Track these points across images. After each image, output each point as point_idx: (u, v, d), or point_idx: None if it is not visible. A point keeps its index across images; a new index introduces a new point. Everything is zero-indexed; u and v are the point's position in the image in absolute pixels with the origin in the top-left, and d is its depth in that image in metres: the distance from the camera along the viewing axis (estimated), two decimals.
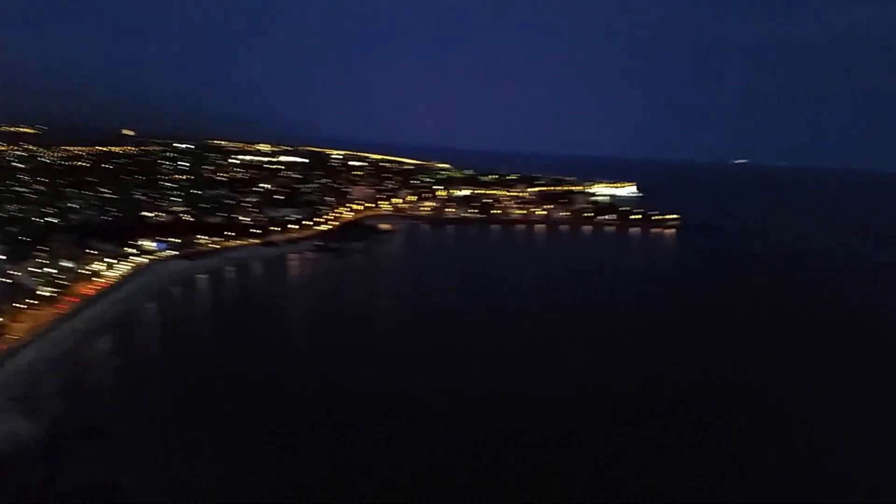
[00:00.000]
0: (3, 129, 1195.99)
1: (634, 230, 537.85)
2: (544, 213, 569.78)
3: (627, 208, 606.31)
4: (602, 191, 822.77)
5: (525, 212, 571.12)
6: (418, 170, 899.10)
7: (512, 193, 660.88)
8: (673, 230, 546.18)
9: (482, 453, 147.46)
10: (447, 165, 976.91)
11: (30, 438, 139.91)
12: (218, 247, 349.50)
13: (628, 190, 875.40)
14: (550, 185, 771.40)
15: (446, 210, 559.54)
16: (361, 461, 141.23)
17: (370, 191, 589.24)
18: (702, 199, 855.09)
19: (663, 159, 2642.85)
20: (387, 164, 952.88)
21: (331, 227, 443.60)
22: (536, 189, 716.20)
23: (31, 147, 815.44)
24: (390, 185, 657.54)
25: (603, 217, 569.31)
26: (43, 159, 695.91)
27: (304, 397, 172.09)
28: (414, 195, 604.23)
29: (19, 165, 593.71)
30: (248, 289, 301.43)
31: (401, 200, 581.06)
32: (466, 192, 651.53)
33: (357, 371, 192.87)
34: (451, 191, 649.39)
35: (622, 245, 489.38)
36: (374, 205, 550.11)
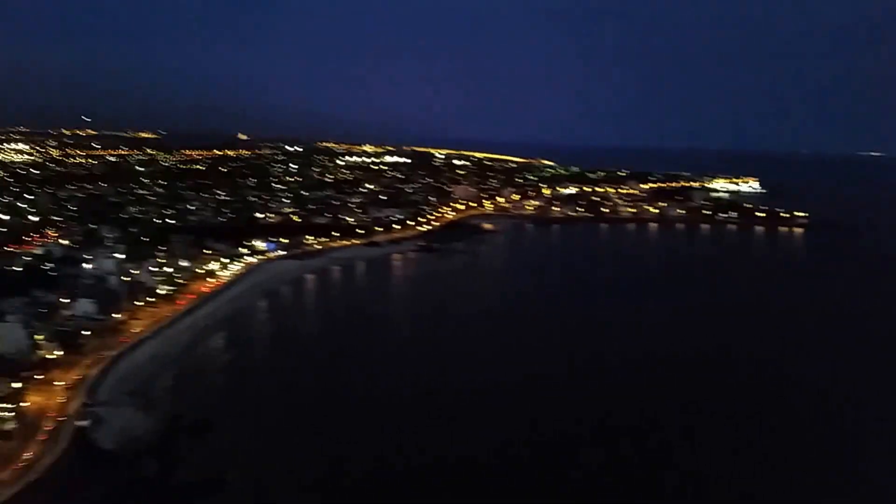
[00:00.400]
0: (128, 134, 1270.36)
1: (758, 229, 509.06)
2: (658, 211, 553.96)
3: (750, 205, 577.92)
4: (721, 186, 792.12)
5: (636, 210, 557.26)
6: (522, 168, 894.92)
7: (623, 191, 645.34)
8: (801, 229, 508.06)
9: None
10: (552, 163, 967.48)
11: (143, 432, 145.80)
12: (324, 247, 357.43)
13: (750, 185, 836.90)
14: (664, 182, 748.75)
15: (551, 209, 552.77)
16: (468, 459, 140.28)
17: (473, 190, 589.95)
18: (832, 196, 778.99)
19: (789, 151, 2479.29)
20: (490, 163, 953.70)
21: (433, 227, 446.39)
22: (649, 186, 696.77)
23: (152, 151, 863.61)
24: (494, 184, 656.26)
25: (723, 215, 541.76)
26: (163, 163, 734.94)
27: (401, 397, 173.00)
28: (518, 194, 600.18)
29: (141, 169, 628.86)
30: (352, 288, 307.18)
31: (504, 199, 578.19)
32: (573, 190, 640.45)
33: (453, 373, 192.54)
34: (556, 189, 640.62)
35: (745, 245, 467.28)
36: (477, 204, 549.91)
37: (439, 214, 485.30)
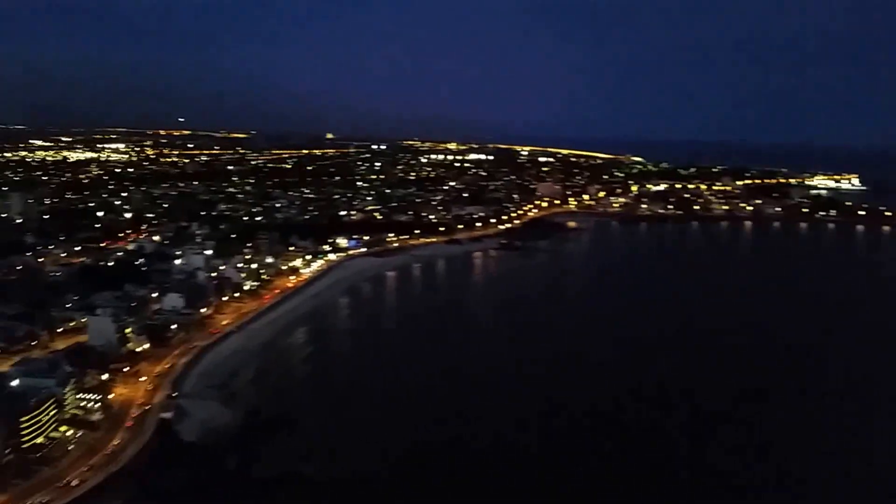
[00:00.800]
0: (221, 134, 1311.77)
1: (859, 228, 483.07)
2: (753, 208, 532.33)
3: (850, 203, 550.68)
4: (821, 183, 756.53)
5: (730, 207, 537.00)
6: (609, 164, 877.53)
7: (716, 188, 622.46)
8: None
9: None
10: (640, 159, 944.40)
11: (224, 425, 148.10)
12: (405, 244, 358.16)
13: (851, 182, 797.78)
14: (761, 178, 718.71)
15: (639, 206, 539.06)
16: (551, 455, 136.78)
17: (558, 187, 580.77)
18: None
19: (893, 147, 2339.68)
20: (576, 159, 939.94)
21: (516, 224, 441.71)
22: (744, 182, 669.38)
23: (242, 151, 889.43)
24: (579, 181, 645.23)
25: (822, 213, 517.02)
26: (253, 162, 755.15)
27: (479, 392, 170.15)
28: (604, 191, 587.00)
29: (231, 168, 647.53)
30: (432, 285, 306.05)
31: (590, 197, 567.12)
32: (662, 187, 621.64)
33: (530, 370, 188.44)
34: (645, 185, 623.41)
35: (845, 244, 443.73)
36: (561, 202, 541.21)
37: (522, 212, 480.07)
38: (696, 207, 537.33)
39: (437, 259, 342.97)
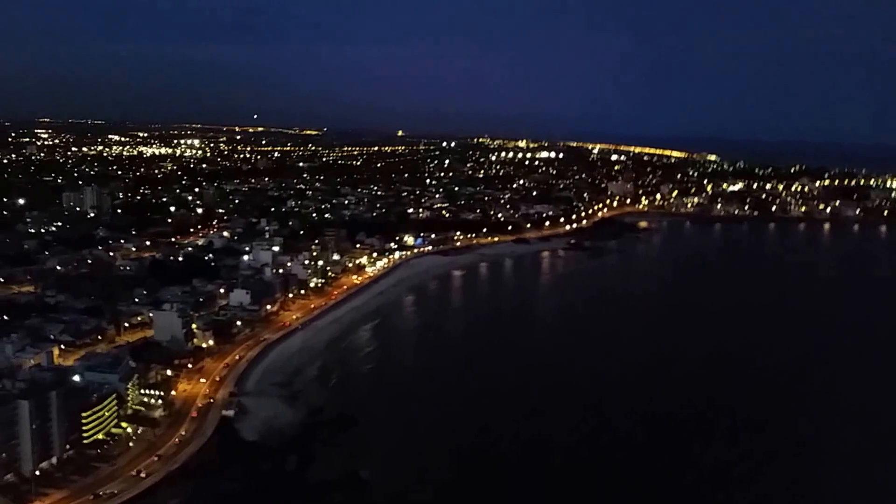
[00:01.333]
0: (294, 131, 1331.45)
1: None
2: (831, 210, 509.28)
3: None
4: None
5: (808, 208, 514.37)
6: (683, 163, 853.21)
7: (793, 188, 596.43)
8: None
9: None
10: (715, 157, 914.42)
11: (286, 424, 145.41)
12: (472, 243, 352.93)
13: None
14: (840, 179, 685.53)
15: (714, 207, 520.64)
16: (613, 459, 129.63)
17: (629, 186, 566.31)
18: None
19: None
20: (648, 158, 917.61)
21: (586, 224, 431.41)
22: (823, 183, 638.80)
23: (314, 148, 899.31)
24: (651, 180, 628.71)
25: None
26: (324, 159, 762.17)
27: (545, 396, 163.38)
28: (677, 190, 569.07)
29: (301, 165, 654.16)
30: (498, 285, 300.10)
31: (662, 196, 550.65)
32: (738, 187, 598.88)
33: (594, 373, 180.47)
34: (720, 185, 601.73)
35: None
36: (632, 201, 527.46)
37: (592, 211, 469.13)
38: (772, 209, 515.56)
39: (505, 258, 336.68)
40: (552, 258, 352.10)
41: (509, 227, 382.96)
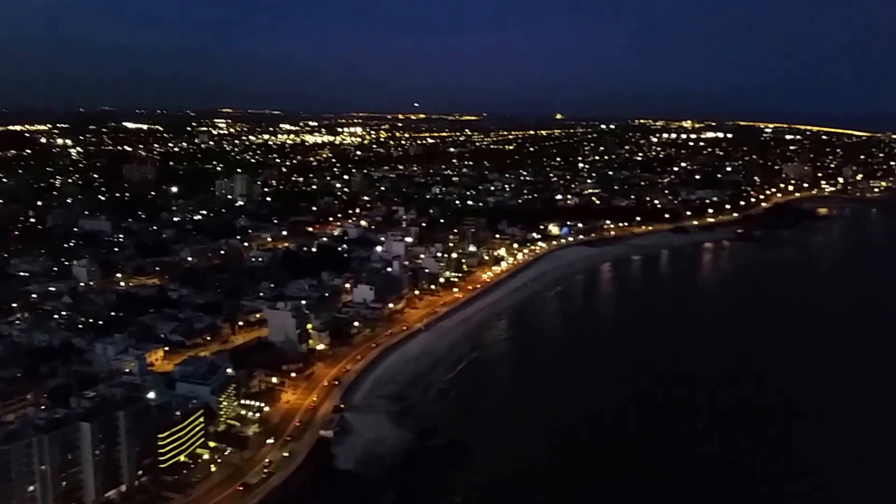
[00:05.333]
0: (454, 117, 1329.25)
1: None
2: None
3: None
4: None
5: None
6: (868, 143, 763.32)
7: None
8: None
9: None
10: None
11: (390, 450, 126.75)
12: (624, 232, 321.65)
13: None
14: None
15: None
16: None
17: (807, 168, 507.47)
18: None
19: None
20: (828, 137, 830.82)
21: (756, 211, 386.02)
22: None
23: (470, 133, 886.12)
24: (832, 162, 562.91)
25: None
26: (478, 144, 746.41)
27: (706, 423, 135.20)
28: (862, 173, 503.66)
29: (452, 150, 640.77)
30: (652, 283, 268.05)
31: (844, 180, 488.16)
32: None
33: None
34: None
35: None
36: (810, 185, 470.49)
37: (764, 196, 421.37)
38: None
39: (660, 250, 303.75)
40: (716, 250, 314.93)
41: (666, 215, 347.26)
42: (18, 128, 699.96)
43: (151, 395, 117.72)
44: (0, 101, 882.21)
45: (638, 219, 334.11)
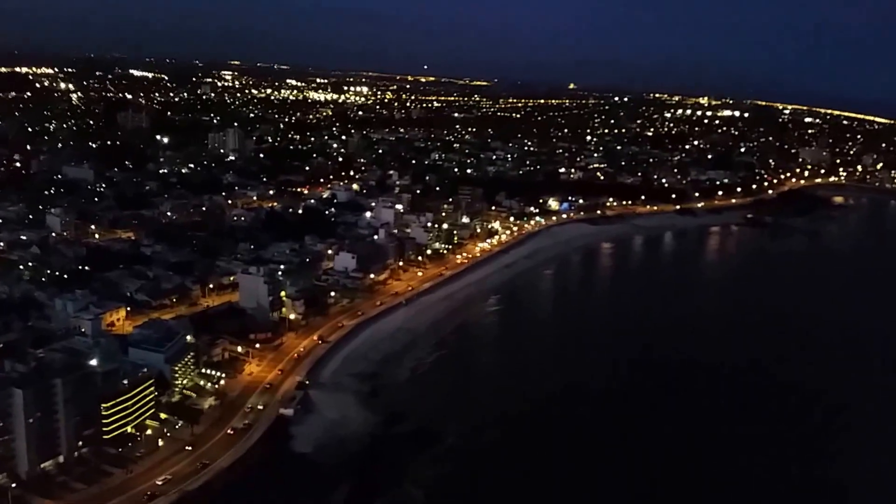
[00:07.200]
0: (463, 82, 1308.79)
1: None
2: None
3: None
4: None
5: None
6: (890, 130, 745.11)
7: None
8: None
9: None
10: None
11: (352, 434, 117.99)
12: (628, 211, 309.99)
13: None
14: None
15: None
16: None
17: (824, 154, 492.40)
18: None
19: None
20: (848, 122, 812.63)
21: (769, 195, 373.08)
22: None
23: (477, 98, 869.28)
24: (851, 149, 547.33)
25: None
26: (485, 110, 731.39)
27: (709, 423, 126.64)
28: (882, 162, 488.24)
29: (456, 115, 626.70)
30: (653, 266, 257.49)
31: (863, 168, 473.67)
32: None
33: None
34: None
35: None
36: (827, 171, 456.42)
37: (778, 180, 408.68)
38: None
39: (664, 232, 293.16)
40: (723, 235, 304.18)
41: (673, 195, 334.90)
42: (25, 70, 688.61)
43: (94, 361, 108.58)
44: (11, 42, 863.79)
45: (643, 198, 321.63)
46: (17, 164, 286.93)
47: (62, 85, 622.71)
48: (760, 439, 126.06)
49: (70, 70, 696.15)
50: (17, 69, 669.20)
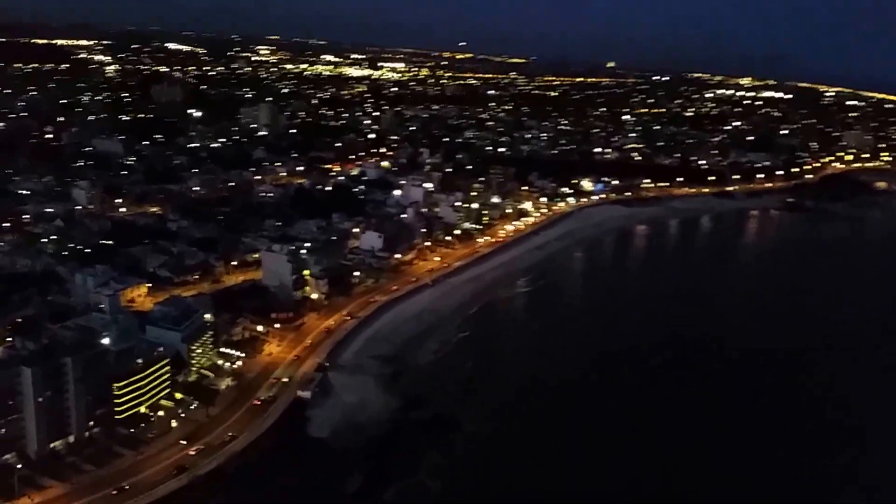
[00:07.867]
0: (501, 59, 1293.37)
1: None
2: None
3: None
4: None
5: None
6: None
7: None
8: None
9: None
10: None
11: (369, 420, 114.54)
12: (664, 193, 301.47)
13: None
14: None
15: None
16: None
17: (867, 138, 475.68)
18: None
19: None
20: (892, 106, 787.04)
21: (810, 179, 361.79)
22: None
23: (514, 76, 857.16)
24: (895, 133, 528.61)
25: None
26: (521, 88, 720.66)
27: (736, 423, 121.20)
28: None
29: (491, 93, 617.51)
30: (689, 252, 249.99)
31: None
32: None
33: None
34: None
35: None
36: (871, 156, 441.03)
37: (820, 164, 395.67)
38: None
39: (701, 215, 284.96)
40: (762, 219, 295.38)
41: (711, 178, 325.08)
42: (62, 42, 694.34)
43: (107, 339, 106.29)
44: (51, 14, 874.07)
45: (680, 179, 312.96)
46: (49, 136, 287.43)
47: (98, 57, 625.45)
48: (768, 436, 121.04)
49: (107, 42, 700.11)
50: (57, 41, 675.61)
